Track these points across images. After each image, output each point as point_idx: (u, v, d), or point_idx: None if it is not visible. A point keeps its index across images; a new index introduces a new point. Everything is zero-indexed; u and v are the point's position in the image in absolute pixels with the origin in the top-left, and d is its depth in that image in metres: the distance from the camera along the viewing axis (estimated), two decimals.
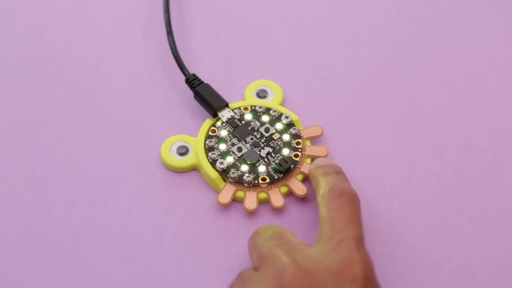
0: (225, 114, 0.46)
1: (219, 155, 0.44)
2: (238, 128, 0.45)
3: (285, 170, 0.43)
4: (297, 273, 0.36)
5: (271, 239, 0.39)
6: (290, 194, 0.44)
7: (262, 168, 0.43)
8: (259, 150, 0.44)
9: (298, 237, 0.39)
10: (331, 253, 0.37)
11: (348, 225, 0.38)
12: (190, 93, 0.47)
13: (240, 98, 0.48)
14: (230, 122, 0.45)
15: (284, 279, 0.36)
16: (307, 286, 0.36)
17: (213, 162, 0.44)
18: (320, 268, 0.36)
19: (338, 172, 0.42)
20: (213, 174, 0.43)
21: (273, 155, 0.44)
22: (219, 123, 0.45)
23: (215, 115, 0.46)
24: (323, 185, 0.41)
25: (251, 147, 0.44)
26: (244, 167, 0.43)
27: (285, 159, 0.44)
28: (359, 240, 0.38)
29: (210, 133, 0.45)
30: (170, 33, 0.49)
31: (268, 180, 0.43)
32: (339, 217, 0.38)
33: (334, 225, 0.38)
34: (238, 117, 0.46)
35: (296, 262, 0.37)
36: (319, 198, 0.40)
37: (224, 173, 0.43)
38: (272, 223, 0.42)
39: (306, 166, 0.44)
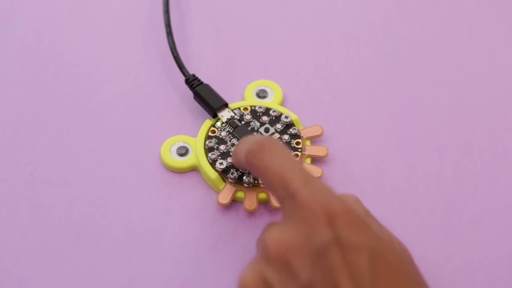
0: (224, 115, 0.46)
1: (219, 155, 0.44)
2: (238, 129, 0.45)
3: None
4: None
5: None
6: None
7: None
8: None
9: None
10: (297, 222, 0.34)
11: (288, 174, 0.35)
12: (190, 94, 0.47)
13: (240, 98, 0.48)
14: (230, 122, 0.45)
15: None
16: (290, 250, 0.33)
17: (213, 163, 0.44)
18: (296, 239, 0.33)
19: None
20: (213, 174, 0.43)
21: None
22: (219, 124, 0.45)
23: (214, 115, 0.46)
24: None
25: None
26: None
27: None
28: (309, 182, 0.34)
29: (210, 134, 0.45)
30: (170, 33, 0.49)
31: None
32: (274, 173, 0.35)
33: (275, 184, 0.35)
34: (238, 117, 0.46)
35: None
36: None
37: (224, 173, 0.43)
38: (272, 223, 0.42)
39: (306, 166, 0.44)
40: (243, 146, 0.39)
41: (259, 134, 0.45)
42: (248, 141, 0.38)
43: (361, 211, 0.36)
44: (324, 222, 0.33)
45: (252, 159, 0.37)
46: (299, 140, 0.45)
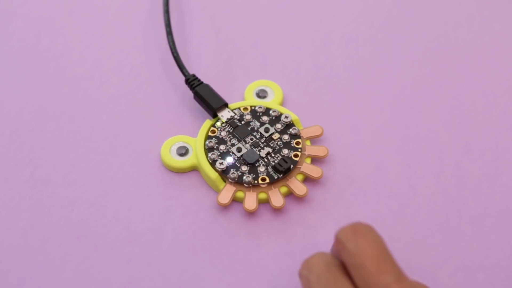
0: (224, 115, 0.46)
1: (218, 155, 0.44)
2: (238, 129, 0.45)
3: (284, 170, 0.43)
4: None
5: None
6: (290, 194, 0.44)
7: (261, 168, 0.43)
8: (259, 150, 0.44)
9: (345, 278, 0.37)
10: None
11: (382, 266, 0.35)
12: (190, 94, 0.47)
13: (240, 98, 0.48)
14: (230, 122, 0.45)
15: None
16: None
17: (212, 163, 0.44)
18: None
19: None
20: (213, 174, 0.43)
21: (273, 155, 0.44)
22: (218, 124, 0.45)
23: (214, 115, 0.46)
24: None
25: (251, 147, 0.44)
26: (244, 167, 0.43)
27: (285, 159, 0.44)
28: (400, 280, 0.35)
29: (209, 134, 0.45)
30: (169, 33, 0.49)
31: (268, 180, 0.43)
32: (367, 260, 0.35)
33: (366, 272, 0.35)
34: (238, 118, 0.46)
35: None
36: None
37: (223, 173, 0.43)
38: (272, 223, 0.42)
39: (306, 166, 0.44)
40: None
41: (258, 134, 0.45)
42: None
43: None
44: None
45: (343, 237, 0.36)
46: (299, 140, 0.45)
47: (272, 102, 0.47)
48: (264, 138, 0.45)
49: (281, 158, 0.44)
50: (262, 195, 0.43)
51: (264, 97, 0.47)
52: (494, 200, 0.44)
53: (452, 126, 0.47)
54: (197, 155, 0.44)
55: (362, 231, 0.36)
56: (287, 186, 0.43)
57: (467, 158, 0.45)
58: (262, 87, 0.48)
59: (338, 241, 0.36)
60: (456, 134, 0.46)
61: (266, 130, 0.45)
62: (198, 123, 0.46)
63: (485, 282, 0.41)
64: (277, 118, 0.46)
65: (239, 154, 0.44)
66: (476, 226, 0.43)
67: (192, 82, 0.47)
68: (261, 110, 0.46)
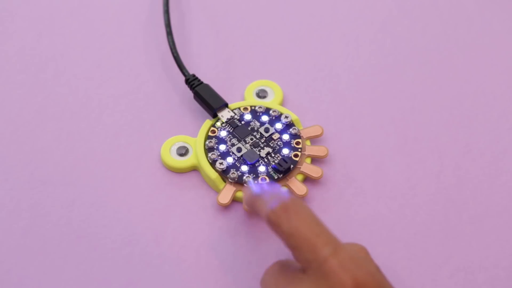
0: (224, 115, 0.46)
1: (218, 155, 0.44)
2: (238, 129, 0.45)
3: (284, 170, 0.43)
4: None
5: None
6: None
7: (262, 168, 0.43)
8: (259, 150, 0.44)
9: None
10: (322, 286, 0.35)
11: (318, 242, 0.35)
12: (190, 94, 0.47)
13: (240, 98, 0.48)
14: (230, 122, 0.45)
15: None
16: None
17: (213, 163, 0.44)
18: None
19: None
20: (213, 174, 0.43)
21: (273, 155, 0.44)
22: (218, 124, 0.45)
23: (214, 115, 0.46)
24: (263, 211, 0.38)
25: (251, 147, 0.44)
26: (244, 168, 0.43)
27: (285, 159, 0.44)
28: (337, 251, 0.35)
29: (209, 134, 0.45)
30: (169, 33, 0.49)
31: (268, 180, 0.43)
32: (303, 240, 0.36)
33: (304, 252, 0.36)
34: (238, 118, 0.46)
35: None
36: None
37: (223, 173, 0.43)
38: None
39: (306, 166, 0.44)
40: (260, 203, 0.38)
41: (258, 134, 0.45)
42: (268, 197, 0.38)
43: (374, 269, 0.36)
44: None
45: (276, 220, 0.37)
46: (299, 140, 0.45)
47: (272, 102, 0.47)
48: (264, 138, 0.45)
49: (281, 158, 0.44)
50: None
51: (264, 97, 0.47)
52: (494, 200, 0.44)
53: (452, 126, 0.47)
54: (197, 155, 0.44)
55: (292, 208, 0.37)
56: (287, 186, 0.43)
57: (467, 158, 0.45)
58: (262, 87, 0.48)
59: (272, 223, 0.37)
60: (456, 134, 0.46)
61: (266, 130, 0.45)
62: (198, 123, 0.46)
63: (485, 282, 0.41)
64: (277, 118, 0.46)
65: (239, 154, 0.44)
66: (476, 226, 0.43)
67: (192, 82, 0.47)
68: (261, 110, 0.46)
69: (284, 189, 0.39)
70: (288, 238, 0.36)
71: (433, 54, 0.50)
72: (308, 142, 0.45)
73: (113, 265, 0.41)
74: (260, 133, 0.45)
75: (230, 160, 0.44)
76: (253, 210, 0.39)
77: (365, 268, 0.35)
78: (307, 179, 0.44)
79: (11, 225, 0.42)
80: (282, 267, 0.38)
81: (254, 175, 0.43)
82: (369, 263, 0.37)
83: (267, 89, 0.48)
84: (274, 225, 0.37)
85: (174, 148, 0.45)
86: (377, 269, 0.37)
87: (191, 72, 0.48)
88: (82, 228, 0.42)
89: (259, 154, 0.44)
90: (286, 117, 0.45)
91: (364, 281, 0.35)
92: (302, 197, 0.43)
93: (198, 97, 0.46)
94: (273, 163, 0.44)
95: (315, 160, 0.45)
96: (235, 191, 0.43)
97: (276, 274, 0.38)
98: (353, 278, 0.34)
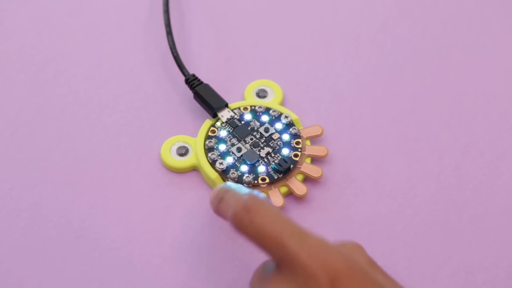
0: (224, 114, 0.46)
1: (218, 155, 0.44)
2: (238, 128, 0.45)
3: (284, 170, 0.43)
4: None
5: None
6: (290, 194, 0.44)
7: (261, 168, 0.43)
8: (259, 150, 0.44)
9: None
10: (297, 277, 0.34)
11: (284, 238, 0.35)
12: (190, 94, 0.47)
13: (240, 98, 0.48)
14: (230, 122, 0.45)
15: None
16: None
17: (212, 163, 0.44)
18: None
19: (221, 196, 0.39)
20: (212, 174, 0.43)
21: (273, 155, 0.44)
22: (218, 124, 0.45)
23: (214, 115, 0.46)
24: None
25: (251, 147, 0.44)
26: (244, 167, 0.43)
27: (285, 159, 0.44)
28: (303, 241, 0.35)
29: (209, 134, 0.45)
30: (169, 33, 0.49)
31: (267, 180, 0.43)
32: (270, 240, 0.35)
33: (275, 252, 0.35)
34: (238, 117, 0.46)
35: None
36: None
37: (223, 173, 0.43)
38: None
39: (306, 166, 0.44)
40: (224, 209, 0.38)
41: (258, 134, 0.45)
42: (230, 200, 0.37)
43: (364, 262, 0.36)
44: (327, 285, 0.33)
45: (239, 224, 0.36)
46: (299, 140, 0.45)
47: (272, 102, 0.47)
48: (264, 138, 0.45)
49: (281, 158, 0.44)
50: None
51: (264, 97, 0.47)
52: (494, 200, 0.44)
53: (452, 126, 0.47)
54: (197, 155, 0.44)
55: (253, 208, 0.36)
56: (287, 186, 0.43)
57: (467, 158, 0.45)
58: (262, 87, 0.48)
59: (236, 226, 0.36)
60: (456, 134, 0.46)
61: (266, 130, 0.45)
62: (198, 123, 0.46)
63: (485, 282, 0.41)
64: (277, 118, 0.46)
65: (239, 154, 0.44)
66: (476, 226, 0.43)
67: (192, 82, 0.47)
68: (261, 110, 0.46)
69: (244, 189, 0.38)
70: (255, 240, 0.36)
71: (433, 54, 0.50)
72: (308, 142, 0.45)
73: (113, 265, 0.41)
74: (260, 133, 0.45)
75: (230, 160, 0.44)
76: (219, 216, 0.39)
77: (336, 252, 0.34)
78: (307, 179, 0.44)
79: (11, 225, 0.42)
80: (265, 268, 0.37)
81: (254, 175, 0.43)
82: (358, 253, 0.36)
83: (267, 89, 0.48)
84: (239, 229, 0.36)
85: (174, 148, 0.45)
86: (370, 262, 0.36)
87: (191, 72, 0.48)
88: (82, 228, 0.42)
89: (259, 154, 0.44)
90: (286, 117, 0.45)
91: (335, 267, 0.34)
92: (302, 197, 0.43)
93: (198, 97, 0.46)
94: (273, 163, 0.44)
95: (315, 160, 0.45)
96: None
97: (258, 275, 0.37)
98: (324, 267, 0.34)
